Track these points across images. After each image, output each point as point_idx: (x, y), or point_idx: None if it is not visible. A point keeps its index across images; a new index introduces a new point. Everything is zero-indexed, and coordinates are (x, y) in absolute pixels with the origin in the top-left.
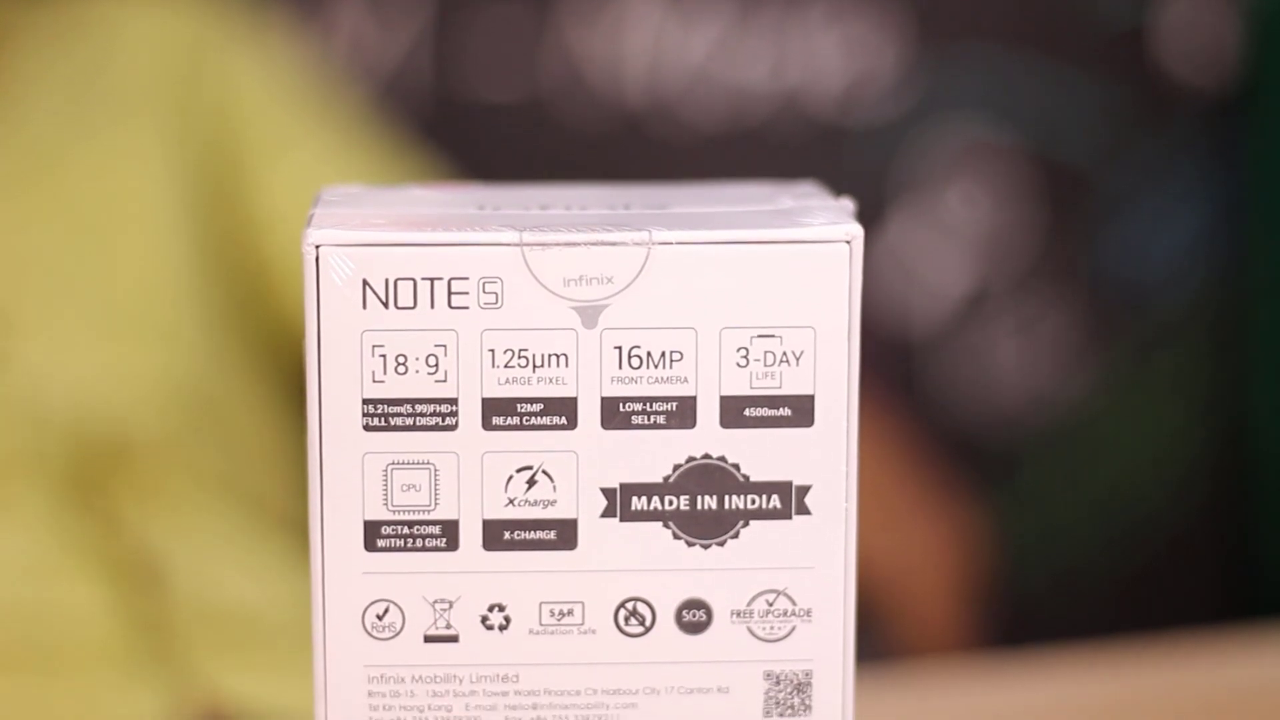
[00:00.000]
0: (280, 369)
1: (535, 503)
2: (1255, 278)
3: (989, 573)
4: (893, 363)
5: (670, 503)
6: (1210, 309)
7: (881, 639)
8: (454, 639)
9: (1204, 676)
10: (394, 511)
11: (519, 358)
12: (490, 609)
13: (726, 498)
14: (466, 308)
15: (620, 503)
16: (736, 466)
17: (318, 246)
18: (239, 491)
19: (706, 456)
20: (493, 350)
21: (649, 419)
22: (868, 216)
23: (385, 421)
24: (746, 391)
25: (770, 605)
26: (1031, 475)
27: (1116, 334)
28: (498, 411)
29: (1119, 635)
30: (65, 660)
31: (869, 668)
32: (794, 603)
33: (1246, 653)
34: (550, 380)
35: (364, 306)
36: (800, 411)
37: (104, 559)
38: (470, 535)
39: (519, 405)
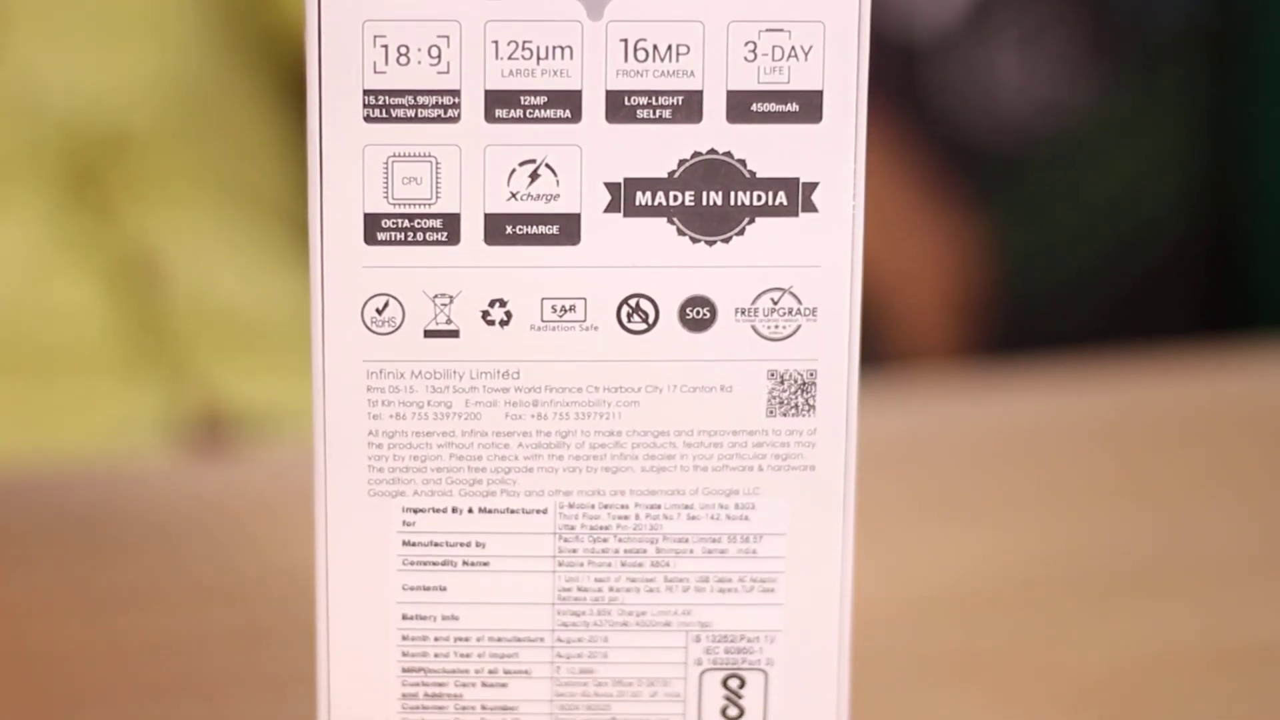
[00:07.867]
0: (279, 65)
1: (538, 197)
2: None
3: (988, 280)
4: (896, 70)
5: (675, 198)
6: (1213, 22)
7: (880, 342)
8: (454, 334)
9: (1196, 387)
10: (394, 204)
11: (523, 49)
12: (491, 304)
13: (732, 194)
14: None
15: (624, 197)
16: (743, 162)
17: None
18: (237, 188)
19: (712, 151)
20: (496, 41)
21: (654, 113)
22: None
23: (386, 113)
24: (754, 86)
25: (775, 303)
26: (1032, 185)
27: (1120, 46)
28: (501, 104)
29: (1114, 344)
30: (62, 360)
31: (869, 371)
32: (799, 301)
33: (1239, 363)
34: (554, 72)
35: None
36: (808, 107)
37: (101, 258)
38: (472, 229)
39: (522, 97)
